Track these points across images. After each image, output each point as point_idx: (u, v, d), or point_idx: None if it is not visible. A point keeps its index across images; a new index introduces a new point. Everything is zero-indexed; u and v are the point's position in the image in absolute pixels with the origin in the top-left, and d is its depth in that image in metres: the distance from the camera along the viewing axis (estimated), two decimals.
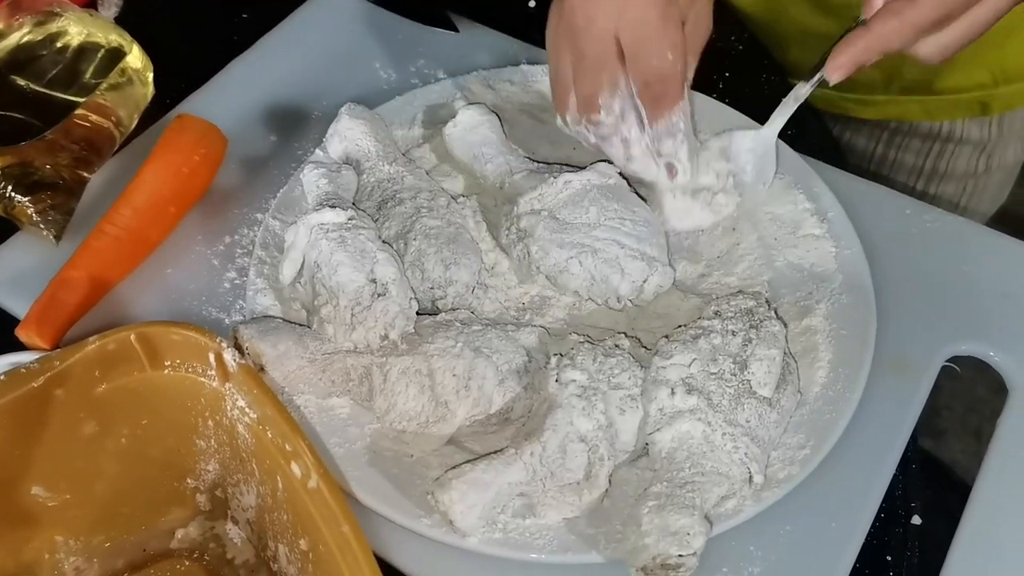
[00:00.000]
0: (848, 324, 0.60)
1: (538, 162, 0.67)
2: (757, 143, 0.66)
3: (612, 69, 0.61)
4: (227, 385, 0.51)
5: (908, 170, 0.92)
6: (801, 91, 0.64)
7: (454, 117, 0.68)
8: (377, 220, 0.62)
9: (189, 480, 0.56)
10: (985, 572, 0.54)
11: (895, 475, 0.57)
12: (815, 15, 0.83)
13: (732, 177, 0.67)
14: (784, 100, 0.65)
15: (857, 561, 0.54)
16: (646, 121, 0.62)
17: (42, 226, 0.67)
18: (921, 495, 0.59)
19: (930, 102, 0.88)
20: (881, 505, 0.56)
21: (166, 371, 0.52)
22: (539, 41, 0.65)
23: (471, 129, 0.67)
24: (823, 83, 0.60)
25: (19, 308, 0.64)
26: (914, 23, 0.56)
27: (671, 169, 0.64)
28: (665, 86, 0.61)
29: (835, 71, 0.58)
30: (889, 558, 0.56)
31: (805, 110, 0.80)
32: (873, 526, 0.55)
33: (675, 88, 0.61)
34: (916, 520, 0.58)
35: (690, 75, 0.65)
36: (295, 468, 0.48)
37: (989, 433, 0.59)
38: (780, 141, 0.70)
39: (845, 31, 0.59)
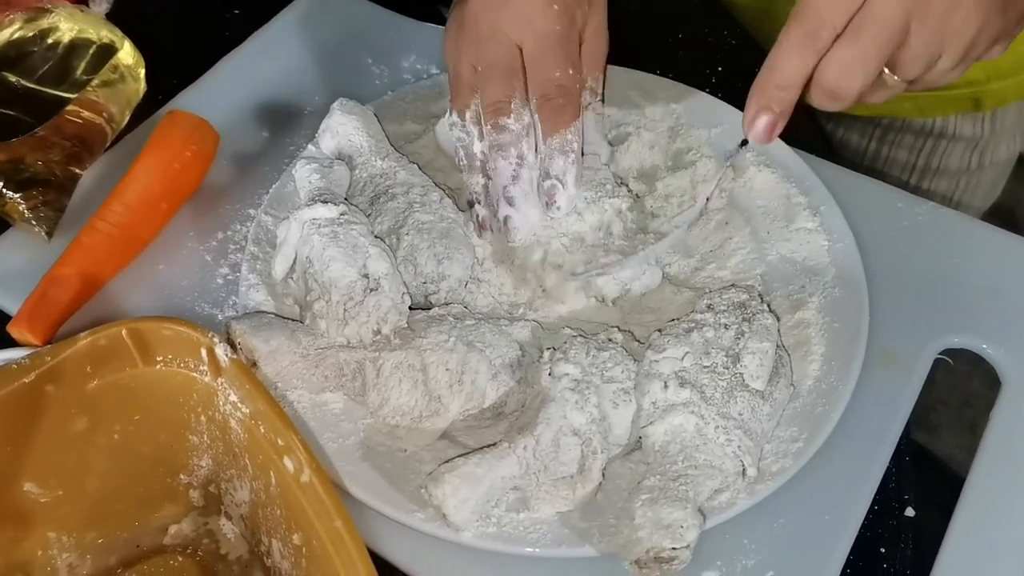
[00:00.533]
0: (841, 317, 0.60)
1: None
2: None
3: (520, 78, 0.61)
4: (219, 380, 0.51)
5: (901, 166, 0.92)
6: (726, 165, 0.63)
7: (446, 112, 0.68)
8: (370, 215, 0.62)
9: (182, 476, 0.55)
10: (979, 563, 0.54)
11: (888, 467, 0.57)
12: None
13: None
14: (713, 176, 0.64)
15: (851, 553, 0.54)
16: (539, 137, 0.61)
17: (34, 223, 0.67)
18: (914, 487, 0.59)
19: (922, 99, 0.88)
20: (874, 497, 0.56)
21: (158, 367, 0.52)
22: None
23: None
24: (744, 144, 0.57)
25: (11, 304, 0.64)
26: (790, 39, 0.52)
27: (551, 197, 0.61)
28: (566, 99, 0.60)
29: (750, 127, 0.54)
30: (883, 550, 0.56)
31: (798, 108, 0.80)
32: (867, 518, 0.55)
33: (573, 104, 0.61)
34: (910, 512, 0.58)
35: (599, 89, 0.65)
36: (288, 463, 0.48)
37: (983, 426, 0.59)
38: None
39: None
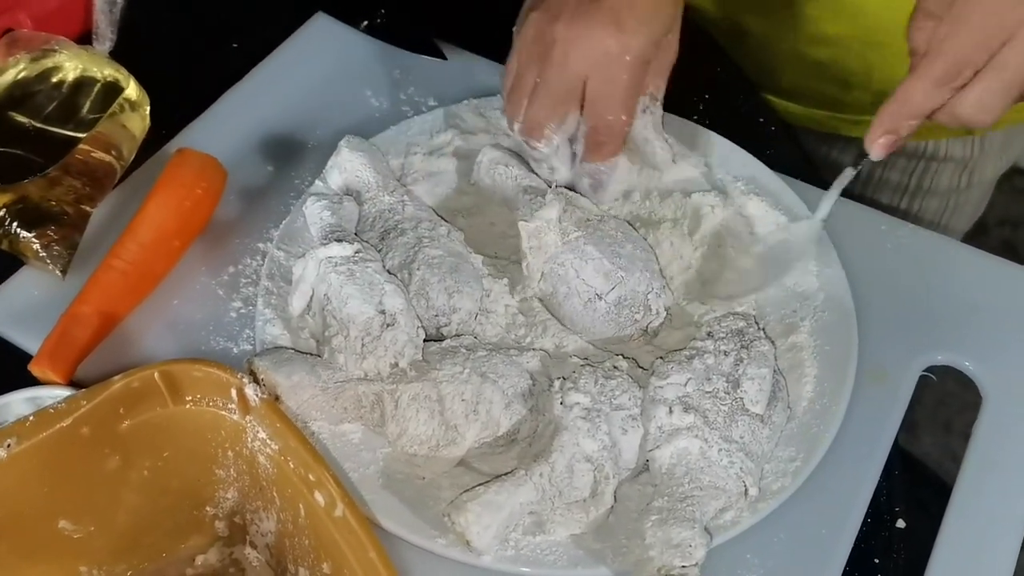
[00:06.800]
0: (831, 340, 0.63)
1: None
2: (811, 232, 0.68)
3: (570, 107, 0.65)
4: (248, 418, 0.53)
5: (893, 188, 0.94)
6: (845, 177, 0.65)
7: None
8: (380, 250, 0.64)
9: (208, 508, 0.57)
10: (966, 570, 0.58)
11: (879, 481, 0.60)
12: (810, 45, 0.84)
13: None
14: (831, 187, 0.67)
15: (847, 564, 0.57)
16: (578, 156, 0.67)
17: (47, 261, 0.68)
18: (904, 500, 0.62)
19: None
20: (867, 510, 0.59)
21: (188, 406, 0.54)
22: None
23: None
24: (865, 161, 0.61)
25: (28, 342, 0.65)
26: (930, 76, 0.55)
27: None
28: (609, 139, 0.66)
29: (872, 146, 0.59)
30: (877, 560, 0.60)
31: (780, 131, 0.84)
32: (861, 531, 0.58)
33: (616, 144, 0.66)
34: (900, 524, 0.61)
35: (660, 95, 0.69)
36: (319, 497, 0.50)
37: (965, 440, 0.63)
38: (757, 161, 0.73)
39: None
